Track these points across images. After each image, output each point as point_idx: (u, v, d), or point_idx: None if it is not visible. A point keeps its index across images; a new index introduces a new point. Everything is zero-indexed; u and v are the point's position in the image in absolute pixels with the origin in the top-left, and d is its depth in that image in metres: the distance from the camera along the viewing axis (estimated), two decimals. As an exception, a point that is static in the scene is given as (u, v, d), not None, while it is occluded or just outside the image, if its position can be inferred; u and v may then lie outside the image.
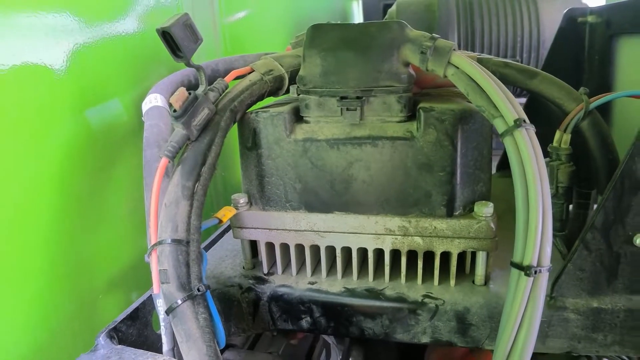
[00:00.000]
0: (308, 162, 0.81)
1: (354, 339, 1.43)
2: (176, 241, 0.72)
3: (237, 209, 0.86)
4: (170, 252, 0.71)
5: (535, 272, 0.66)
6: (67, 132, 0.88)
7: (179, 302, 0.69)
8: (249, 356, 1.03)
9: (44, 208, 0.84)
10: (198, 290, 0.70)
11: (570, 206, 0.92)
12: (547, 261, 0.67)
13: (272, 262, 0.91)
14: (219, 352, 0.71)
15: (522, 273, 0.66)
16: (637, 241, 0.72)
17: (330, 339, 1.05)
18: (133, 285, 1.04)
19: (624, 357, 1.09)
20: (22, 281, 0.82)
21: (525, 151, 0.67)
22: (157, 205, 0.76)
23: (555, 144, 0.86)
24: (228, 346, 1.09)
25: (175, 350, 0.75)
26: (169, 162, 0.77)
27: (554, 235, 0.89)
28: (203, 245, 1.06)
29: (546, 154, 0.86)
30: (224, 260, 0.97)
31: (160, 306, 0.73)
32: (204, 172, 0.76)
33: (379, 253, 0.84)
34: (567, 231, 0.92)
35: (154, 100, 0.92)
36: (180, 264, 0.71)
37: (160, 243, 0.72)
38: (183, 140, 0.77)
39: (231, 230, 0.91)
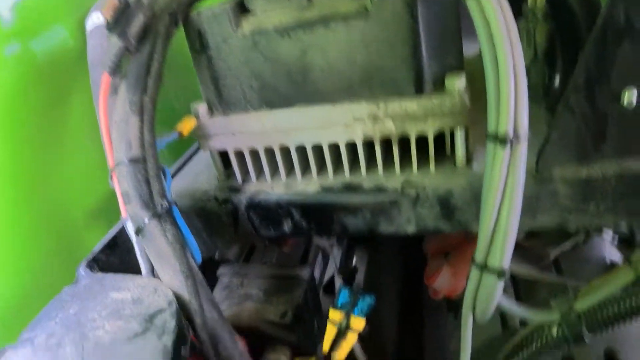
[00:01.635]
0: (260, 56, 0.75)
1: (354, 241, 1.43)
2: (132, 160, 0.69)
3: (197, 118, 0.82)
4: (128, 171, 0.69)
5: (512, 142, 0.61)
6: (11, 68, 0.84)
7: (146, 221, 0.67)
8: (244, 268, 1.02)
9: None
10: (162, 206, 0.68)
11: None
12: (524, 128, 0.62)
13: (246, 171, 0.87)
14: (193, 265, 0.69)
15: (498, 144, 0.62)
16: (625, 98, 0.65)
17: (323, 242, 1.03)
18: (114, 215, 1.01)
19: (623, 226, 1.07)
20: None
21: (490, 7, 0.60)
22: (107, 126, 0.72)
23: (530, 2, 0.79)
24: (223, 261, 1.08)
25: (154, 271, 0.73)
26: (112, 78, 0.73)
27: (538, 105, 0.84)
28: (177, 164, 1.02)
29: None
30: (199, 176, 0.93)
31: (131, 229, 0.71)
32: (150, 83, 0.72)
33: (352, 145, 0.80)
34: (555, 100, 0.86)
35: (96, 20, 0.86)
36: (140, 183, 0.68)
37: (117, 165, 0.70)
38: (121, 52, 0.72)
39: (202, 146, 0.87)
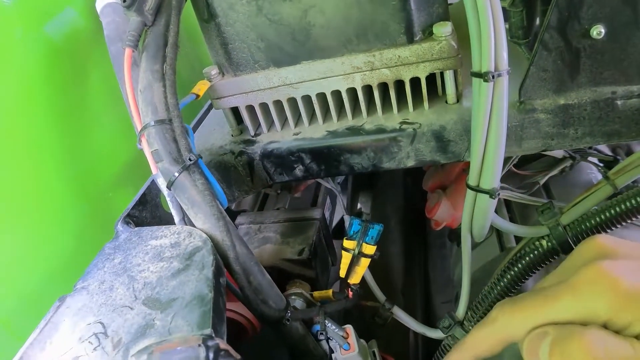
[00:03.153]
0: (265, 20, 0.82)
1: (357, 185, 1.52)
2: (159, 121, 0.76)
3: (210, 81, 0.89)
4: (157, 132, 0.76)
5: (493, 77, 0.69)
6: (33, 51, 0.91)
7: (176, 174, 0.75)
8: (260, 216, 1.11)
9: (33, 125, 0.89)
10: (189, 159, 0.76)
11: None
12: (504, 65, 0.70)
13: (257, 124, 0.96)
14: (222, 209, 0.77)
15: (482, 80, 0.70)
16: (594, 33, 0.73)
17: (330, 185, 1.12)
18: (138, 178, 1.09)
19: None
20: (39, 197, 0.89)
21: (467, -42, 0.68)
22: (133, 94, 0.79)
23: (506, -50, 0.86)
24: (240, 211, 1.18)
25: (185, 219, 0.81)
26: (133, 51, 0.80)
27: (519, 44, 0.92)
28: (192, 124, 1.10)
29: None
30: (213, 133, 1.01)
31: (162, 184, 0.79)
32: (168, 53, 0.79)
33: (353, 93, 0.88)
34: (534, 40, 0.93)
35: (106, -1, 0.92)
36: (168, 141, 0.76)
37: (145, 127, 0.77)
38: (140, 27, 0.79)
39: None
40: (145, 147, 0.78)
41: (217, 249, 0.74)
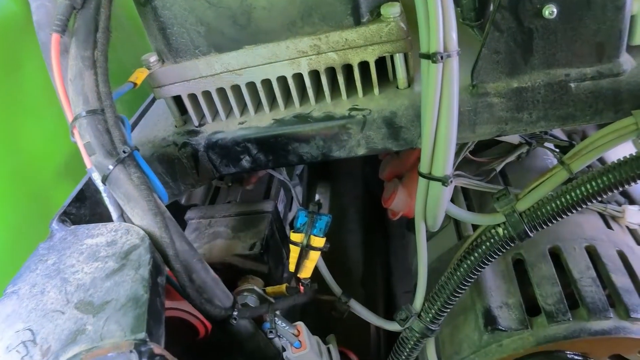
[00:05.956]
0: (204, 2, 0.77)
1: (315, 175, 1.49)
2: (91, 112, 0.72)
3: (149, 68, 0.84)
4: (88, 123, 0.72)
5: (442, 58, 0.66)
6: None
7: (110, 167, 0.71)
8: (210, 210, 1.08)
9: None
10: (124, 152, 0.71)
11: None
12: (453, 46, 0.67)
13: (201, 114, 0.91)
14: (160, 204, 0.73)
15: (430, 61, 0.67)
16: (546, 12, 0.70)
17: (282, 176, 1.09)
18: (80, 172, 1.05)
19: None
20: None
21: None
22: (63, 84, 0.75)
23: None
24: (190, 206, 1.13)
25: (124, 216, 0.77)
26: (62, 37, 0.75)
27: (471, 27, 0.89)
28: (135, 116, 1.05)
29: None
30: (157, 125, 0.97)
31: (97, 179, 0.74)
32: (99, 38, 0.75)
33: (300, 79, 0.84)
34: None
35: (37, -19, 0.86)
36: (101, 133, 0.72)
37: (77, 118, 0.72)
38: (68, 10, 0.74)
39: (158, 95, 0.90)
40: (78, 140, 0.74)
41: (156, 247, 0.70)
